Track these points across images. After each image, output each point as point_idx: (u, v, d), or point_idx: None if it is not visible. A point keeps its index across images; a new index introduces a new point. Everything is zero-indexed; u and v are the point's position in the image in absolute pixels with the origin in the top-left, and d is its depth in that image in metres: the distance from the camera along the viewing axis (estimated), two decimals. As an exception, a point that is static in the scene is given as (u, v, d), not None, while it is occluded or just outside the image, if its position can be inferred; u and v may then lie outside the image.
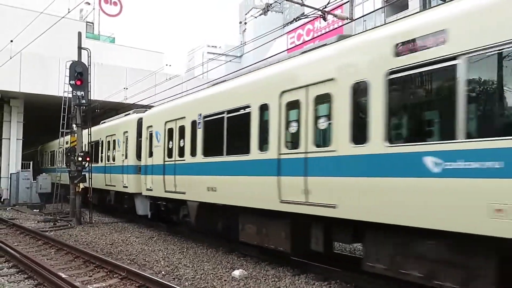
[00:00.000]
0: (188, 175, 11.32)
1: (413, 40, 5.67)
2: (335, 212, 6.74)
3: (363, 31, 7.36)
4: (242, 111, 9.21)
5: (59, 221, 16.97)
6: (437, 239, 5.46)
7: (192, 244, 11.86)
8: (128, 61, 31.95)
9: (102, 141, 18.81)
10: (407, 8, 30.37)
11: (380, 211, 6.02)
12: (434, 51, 5.40)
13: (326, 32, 27.71)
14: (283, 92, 7.98)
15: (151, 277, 7.66)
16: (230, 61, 54.11)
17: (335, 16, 13.72)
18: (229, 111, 9.71)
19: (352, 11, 13.60)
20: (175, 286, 7.05)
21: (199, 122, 10.89)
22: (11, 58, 20.14)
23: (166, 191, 12.46)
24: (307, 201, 7.28)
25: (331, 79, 6.91)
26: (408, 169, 5.61)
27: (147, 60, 34.60)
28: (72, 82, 16.39)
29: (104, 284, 7.89)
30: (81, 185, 16.69)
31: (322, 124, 7.21)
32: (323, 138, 7.26)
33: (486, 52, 4.91)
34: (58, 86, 21.32)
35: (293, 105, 7.77)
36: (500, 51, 4.80)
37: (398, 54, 5.85)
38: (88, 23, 38.36)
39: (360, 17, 25.87)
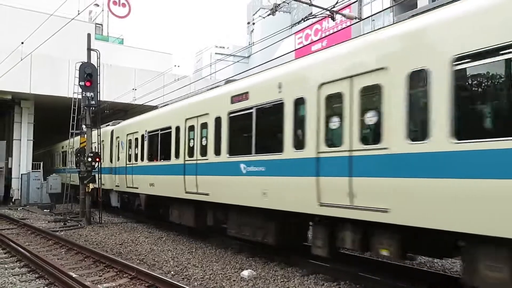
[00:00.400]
0: (139, 174, 15.24)
1: (237, 96, 9.53)
2: (208, 198, 10.42)
3: (225, 84, 10.90)
4: (167, 130, 12.91)
5: (69, 221, 17.11)
6: (253, 213, 9.09)
7: (201, 244, 11.92)
8: (137, 62, 32.11)
9: None
10: (416, 7, 30.09)
11: (226, 196, 9.78)
12: (244, 102, 9.23)
13: (334, 32, 27.57)
14: (187, 119, 11.74)
15: (161, 277, 7.70)
16: (238, 61, 54.10)
17: (343, 15, 13.70)
18: (161, 129, 13.50)
19: (360, 11, 13.57)
20: (185, 286, 7.07)
21: (145, 136, 14.81)
22: (21, 60, 20.32)
23: (127, 187, 16.39)
24: (197, 191, 10.90)
25: (207, 113, 10.67)
26: (235, 171, 9.31)
27: (156, 61, 34.76)
28: (82, 83, 16.58)
29: (114, 284, 7.95)
30: (91, 186, 16.83)
31: (204, 141, 10.84)
32: (204, 150, 10.80)
33: (265, 106, 8.68)
34: (67, 87, 21.50)
35: (191, 128, 11.52)
36: (272, 105, 8.42)
37: (232, 102, 9.67)
38: (97, 25, 38.68)
39: (368, 17, 25.70)
